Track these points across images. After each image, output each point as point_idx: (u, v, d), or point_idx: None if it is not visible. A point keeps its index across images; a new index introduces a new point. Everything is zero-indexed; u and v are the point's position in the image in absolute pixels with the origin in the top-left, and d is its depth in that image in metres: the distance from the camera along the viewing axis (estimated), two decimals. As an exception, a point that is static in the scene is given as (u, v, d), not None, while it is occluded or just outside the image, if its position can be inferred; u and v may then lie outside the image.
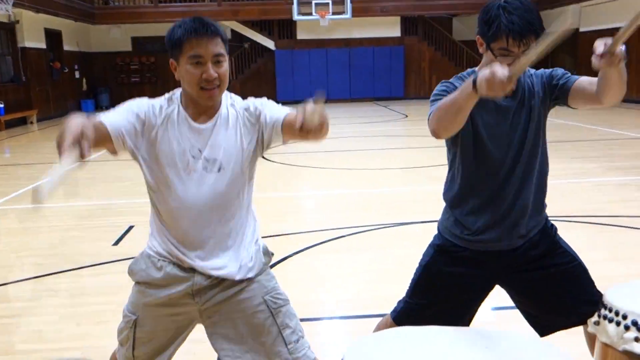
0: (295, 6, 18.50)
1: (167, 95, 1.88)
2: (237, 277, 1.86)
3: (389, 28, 20.59)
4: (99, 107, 20.52)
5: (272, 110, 1.86)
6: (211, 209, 1.83)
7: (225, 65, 1.77)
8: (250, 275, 1.88)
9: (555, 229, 2.16)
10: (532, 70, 2.05)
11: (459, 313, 2.14)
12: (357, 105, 19.31)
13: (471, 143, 1.98)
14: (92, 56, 21.12)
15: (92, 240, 4.99)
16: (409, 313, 2.18)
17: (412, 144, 10.44)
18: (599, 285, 1.99)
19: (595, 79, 1.85)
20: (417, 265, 2.22)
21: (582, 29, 19.09)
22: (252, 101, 1.89)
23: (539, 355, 1.34)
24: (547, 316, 2.08)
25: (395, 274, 3.67)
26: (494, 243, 2.02)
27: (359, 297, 3.58)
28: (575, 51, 20.08)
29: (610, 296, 1.64)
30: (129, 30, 20.89)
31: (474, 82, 1.62)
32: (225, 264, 1.86)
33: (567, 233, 2.29)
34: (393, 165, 8.30)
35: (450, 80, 2.01)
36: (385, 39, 20.67)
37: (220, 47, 1.75)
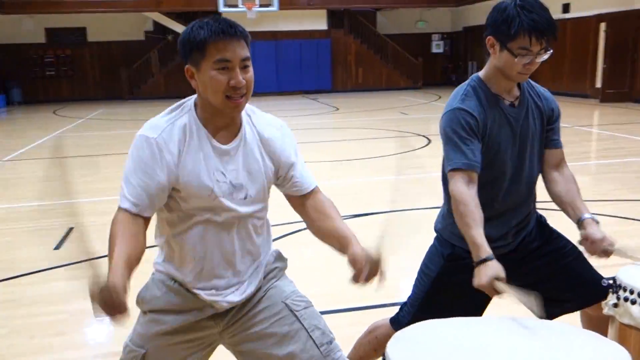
0: (220, -3, 18.11)
1: (173, 107, 1.67)
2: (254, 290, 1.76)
3: (316, 21, 20.56)
4: (10, 103, 19.29)
5: (303, 168, 1.77)
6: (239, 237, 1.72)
7: (252, 71, 1.60)
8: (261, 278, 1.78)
9: (544, 217, 2.19)
10: (540, 90, 2.08)
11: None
12: (287, 99, 19.17)
13: (489, 154, 1.96)
14: (2, 49, 19.79)
15: (29, 245, 4.64)
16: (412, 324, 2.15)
17: (346, 136, 10.48)
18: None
19: (561, 162, 2.08)
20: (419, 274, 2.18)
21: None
22: (273, 134, 1.73)
23: (584, 342, 1.32)
24: (553, 302, 2.07)
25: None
26: (502, 248, 2.02)
27: (337, 290, 3.48)
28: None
29: (628, 278, 1.65)
30: (42, 20, 19.71)
31: (477, 262, 1.78)
32: (248, 286, 1.75)
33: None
34: (329, 158, 8.27)
35: (459, 107, 1.95)
36: (312, 32, 20.63)
37: (247, 51, 1.59)
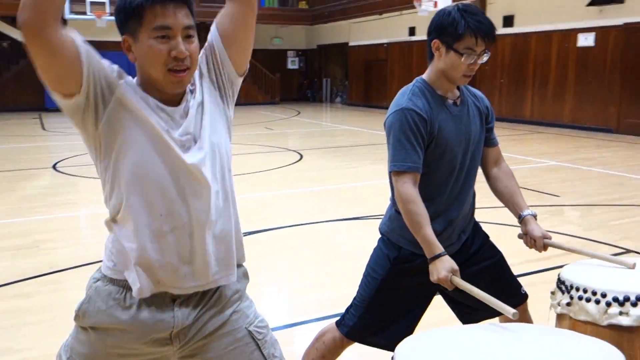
0: (66, 3, 16.89)
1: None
2: (233, 286, 1.59)
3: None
4: None
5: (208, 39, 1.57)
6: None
7: (197, 42, 1.44)
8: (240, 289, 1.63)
9: (479, 223, 2.29)
10: (474, 90, 2.19)
11: (413, 323, 2.16)
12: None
13: (438, 152, 2.02)
14: None
15: None
16: (365, 328, 2.15)
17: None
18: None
19: (499, 158, 2.24)
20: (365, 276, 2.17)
21: (351, 44, 20.76)
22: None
23: (584, 345, 1.38)
24: (483, 308, 2.18)
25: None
26: (447, 249, 2.07)
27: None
28: (345, 63, 21.80)
29: (579, 278, 1.77)
30: None
31: (431, 258, 1.89)
32: (229, 269, 1.56)
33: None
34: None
35: (407, 106, 1.98)
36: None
37: (191, 19, 1.43)
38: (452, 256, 2.05)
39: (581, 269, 1.89)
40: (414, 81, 2.09)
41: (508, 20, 13.99)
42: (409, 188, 1.94)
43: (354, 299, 2.19)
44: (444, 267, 1.83)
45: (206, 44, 1.58)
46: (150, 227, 1.44)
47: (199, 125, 1.50)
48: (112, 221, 1.50)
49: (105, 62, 1.42)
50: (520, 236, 2.11)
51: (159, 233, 1.45)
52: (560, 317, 1.83)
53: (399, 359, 1.35)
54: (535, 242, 2.03)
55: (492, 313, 2.19)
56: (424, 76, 2.08)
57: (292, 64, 23.46)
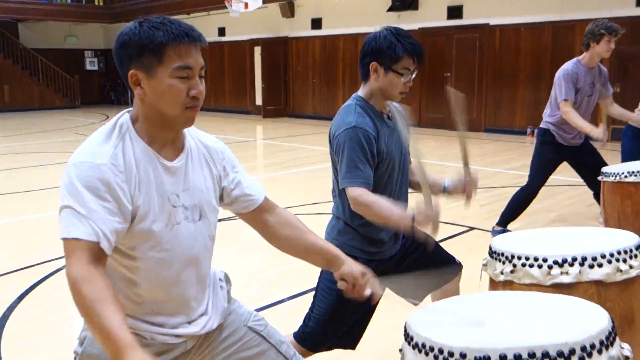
0: None
1: (107, 130, 1.39)
2: (218, 322, 1.60)
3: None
4: None
5: (247, 180, 1.64)
6: (195, 264, 1.51)
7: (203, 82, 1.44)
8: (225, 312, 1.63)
9: None
10: (395, 104, 2.33)
11: (369, 319, 2.32)
12: None
13: (383, 167, 2.17)
14: None
15: None
16: (329, 338, 2.25)
17: (35, 163, 9.25)
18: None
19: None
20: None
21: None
22: (217, 144, 1.60)
23: (576, 306, 1.59)
24: (428, 284, 2.39)
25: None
26: (390, 250, 2.25)
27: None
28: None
29: (515, 249, 2.01)
30: None
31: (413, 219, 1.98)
32: (210, 316, 1.57)
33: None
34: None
35: (357, 125, 2.09)
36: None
37: (202, 59, 1.42)
38: (395, 255, 2.30)
39: (512, 240, 2.15)
40: (353, 99, 2.21)
41: (316, 23, 14.72)
42: (367, 197, 2.07)
43: (313, 312, 2.26)
44: (427, 212, 1.95)
45: (238, 183, 1.62)
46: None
47: None
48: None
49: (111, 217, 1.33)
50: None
51: None
52: (502, 285, 2.06)
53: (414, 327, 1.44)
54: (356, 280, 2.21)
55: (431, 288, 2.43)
56: (361, 94, 2.21)
57: (91, 64, 21.93)
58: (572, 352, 1.30)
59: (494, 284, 2.10)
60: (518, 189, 4.75)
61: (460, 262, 2.48)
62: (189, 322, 1.52)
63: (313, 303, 2.29)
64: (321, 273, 2.28)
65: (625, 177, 3.56)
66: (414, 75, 2.15)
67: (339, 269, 1.64)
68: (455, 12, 12.08)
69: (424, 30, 12.53)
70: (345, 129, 2.09)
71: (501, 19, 11.42)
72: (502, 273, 2.03)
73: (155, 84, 1.36)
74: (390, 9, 12.84)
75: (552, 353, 1.29)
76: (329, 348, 2.30)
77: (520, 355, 1.30)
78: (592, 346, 1.33)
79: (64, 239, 1.27)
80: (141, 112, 1.41)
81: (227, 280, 1.70)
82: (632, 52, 9.71)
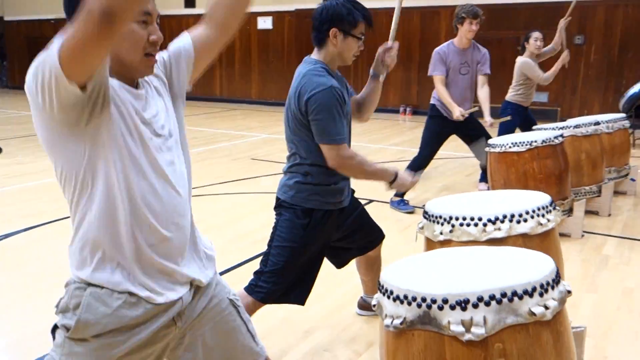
0: None
1: None
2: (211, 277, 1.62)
3: None
4: None
5: (174, 45, 1.61)
6: (183, 191, 1.52)
7: None
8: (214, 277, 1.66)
9: None
10: None
11: (315, 276, 2.49)
12: None
13: (347, 127, 2.38)
14: None
15: None
16: (280, 290, 2.38)
17: None
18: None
19: None
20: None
21: (7, 18, 18.46)
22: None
23: (523, 254, 1.84)
24: (354, 252, 2.68)
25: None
26: (344, 202, 2.47)
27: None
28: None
29: (451, 210, 2.25)
30: None
31: (393, 178, 2.36)
32: (205, 263, 1.60)
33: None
34: None
35: (333, 85, 2.24)
36: None
37: None
38: (345, 208, 2.47)
39: (446, 204, 2.39)
40: (312, 63, 2.33)
41: (190, 1, 14.35)
42: (349, 151, 2.30)
43: (264, 266, 2.37)
44: (406, 176, 2.37)
45: (170, 51, 1.59)
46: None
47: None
48: None
49: None
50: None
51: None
52: (440, 244, 2.30)
53: (387, 280, 1.61)
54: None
55: (358, 252, 2.66)
56: (318, 58, 2.35)
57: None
58: (534, 289, 1.55)
59: (431, 244, 2.33)
60: (408, 161, 5.12)
61: (382, 231, 2.74)
62: (188, 266, 1.53)
63: (266, 257, 2.40)
64: (274, 229, 2.41)
65: (510, 147, 4.02)
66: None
67: None
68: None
69: (300, 11, 12.72)
70: (322, 89, 2.22)
71: (375, 2, 11.92)
72: (441, 233, 2.27)
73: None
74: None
75: (519, 291, 1.53)
76: (278, 302, 2.43)
77: (494, 296, 1.52)
78: (547, 283, 1.58)
79: None
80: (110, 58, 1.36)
81: (212, 247, 1.71)
82: (488, 37, 10.62)
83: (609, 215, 4.85)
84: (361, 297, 3.05)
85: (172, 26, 14.83)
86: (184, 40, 1.60)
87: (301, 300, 2.49)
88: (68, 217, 1.46)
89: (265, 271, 2.35)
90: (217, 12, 1.61)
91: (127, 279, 1.39)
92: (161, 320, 1.45)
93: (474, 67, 4.86)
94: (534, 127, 4.96)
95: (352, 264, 2.82)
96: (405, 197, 5.06)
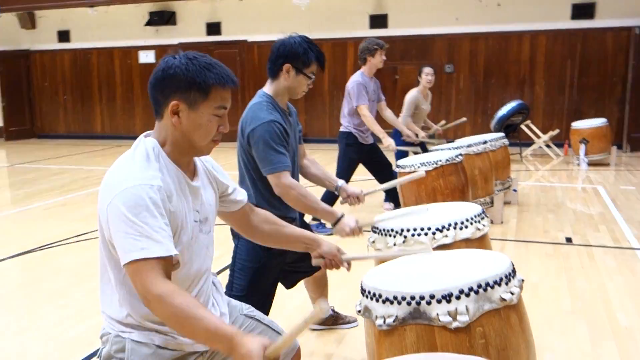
0: None
1: (143, 154, 1.53)
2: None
3: None
4: None
5: (235, 185, 1.87)
6: (209, 270, 1.74)
7: None
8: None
9: None
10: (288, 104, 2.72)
11: (274, 293, 2.66)
12: None
13: (290, 158, 2.55)
14: None
15: None
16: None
17: None
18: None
19: (305, 153, 2.88)
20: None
21: None
22: (208, 157, 1.79)
23: (480, 254, 2.14)
24: (302, 274, 2.88)
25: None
26: (297, 223, 2.65)
27: None
28: None
29: (403, 224, 2.53)
30: None
31: (336, 221, 2.53)
32: (227, 315, 1.82)
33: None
34: None
35: (272, 119, 2.43)
36: None
37: None
38: None
39: (393, 218, 2.68)
40: (261, 96, 2.53)
41: (64, 35, 13.81)
42: (293, 181, 2.43)
43: (231, 291, 2.51)
44: (349, 223, 2.47)
45: (229, 185, 1.86)
46: None
47: None
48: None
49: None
50: (342, 201, 2.80)
51: None
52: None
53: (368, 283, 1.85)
54: (358, 197, 2.77)
55: (308, 273, 2.87)
56: (268, 92, 2.54)
57: None
58: (502, 279, 1.85)
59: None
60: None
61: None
62: None
63: (231, 282, 2.55)
64: (235, 254, 2.55)
65: (419, 167, 4.43)
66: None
67: (317, 249, 1.96)
68: (213, 28, 12.57)
69: (184, 45, 12.76)
70: (262, 122, 2.40)
71: (258, 35, 12.27)
72: (395, 244, 2.55)
73: (195, 116, 1.54)
74: (148, 23, 12.77)
75: (491, 282, 1.82)
76: None
77: (472, 288, 1.80)
78: (510, 274, 1.89)
79: (137, 260, 1.38)
80: (170, 137, 1.57)
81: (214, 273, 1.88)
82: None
83: (502, 222, 5.45)
84: (311, 314, 3.24)
85: (45, 61, 14.19)
86: (241, 201, 1.88)
87: (266, 314, 2.65)
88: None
89: (232, 295, 2.47)
90: (265, 233, 1.94)
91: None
92: (193, 356, 1.64)
93: (377, 95, 5.31)
94: (432, 149, 5.47)
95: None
96: (323, 221, 5.33)
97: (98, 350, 1.66)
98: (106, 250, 1.54)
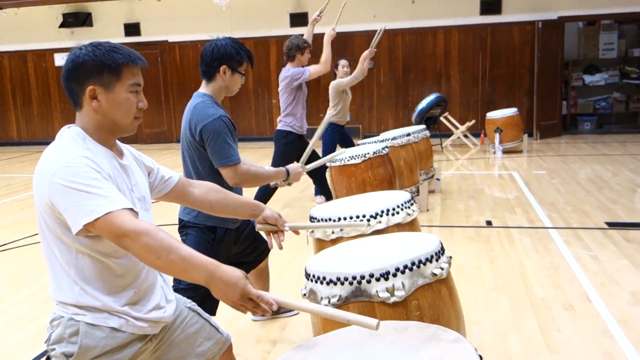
0: None
1: (71, 137, 1.62)
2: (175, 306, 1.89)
3: None
4: None
5: (161, 167, 1.95)
6: None
7: None
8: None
9: None
10: None
11: None
12: None
13: None
14: None
15: None
16: (212, 305, 2.64)
17: None
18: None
19: None
20: None
21: None
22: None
23: (412, 235, 2.33)
24: (247, 265, 3.01)
25: None
26: (237, 222, 2.77)
27: None
28: None
29: (338, 213, 2.70)
30: None
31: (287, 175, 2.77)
32: (173, 301, 1.87)
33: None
34: None
35: (222, 114, 2.57)
36: None
37: None
38: (237, 229, 2.81)
39: (328, 209, 2.84)
40: (201, 96, 2.64)
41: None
42: (243, 167, 2.61)
43: (179, 283, 2.59)
44: (295, 168, 2.92)
45: (159, 169, 1.94)
46: None
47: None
48: None
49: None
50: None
51: None
52: (332, 242, 2.73)
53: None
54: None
55: (252, 265, 3.00)
56: (207, 92, 2.66)
57: None
58: (432, 257, 2.04)
59: (323, 244, 2.76)
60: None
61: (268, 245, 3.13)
62: (161, 308, 1.76)
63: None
64: None
65: (348, 160, 4.64)
66: None
67: (261, 214, 2.10)
68: (132, 29, 12.32)
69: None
70: (213, 119, 2.53)
71: (179, 36, 12.14)
72: (332, 232, 2.71)
73: (113, 97, 1.62)
74: (62, 25, 12.35)
75: (423, 259, 2.02)
76: None
77: (407, 265, 1.98)
78: (439, 252, 2.10)
79: (100, 218, 1.44)
80: (93, 122, 1.64)
81: None
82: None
83: (427, 210, 5.76)
84: (254, 305, 3.37)
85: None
86: (171, 177, 1.95)
87: (212, 311, 2.74)
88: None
89: (180, 288, 2.56)
90: (212, 202, 2.02)
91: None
92: (142, 341, 1.72)
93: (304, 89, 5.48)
94: (359, 143, 5.69)
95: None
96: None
97: (41, 354, 1.71)
98: (52, 237, 1.57)
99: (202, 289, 2.59)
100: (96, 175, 1.51)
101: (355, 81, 6.06)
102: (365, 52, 6.17)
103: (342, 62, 6.55)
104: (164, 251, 1.44)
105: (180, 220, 2.68)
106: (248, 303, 1.45)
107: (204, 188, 2.03)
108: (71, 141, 1.60)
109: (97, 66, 1.59)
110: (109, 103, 1.62)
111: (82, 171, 1.50)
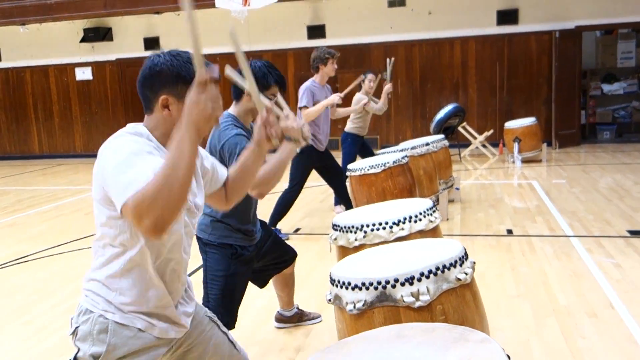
0: None
1: (131, 130, 1.65)
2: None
3: None
4: None
5: (219, 164, 1.97)
6: (183, 252, 1.80)
7: None
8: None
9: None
10: None
11: (241, 299, 2.80)
12: None
13: None
14: None
15: None
16: (232, 315, 2.69)
17: None
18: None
19: None
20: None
21: None
22: None
23: (434, 242, 2.35)
24: (272, 270, 3.05)
25: None
26: (255, 239, 2.80)
27: None
28: None
29: (362, 220, 2.73)
30: None
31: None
32: (194, 306, 1.91)
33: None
34: None
35: (237, 132, 2.56)
36: None
37: None
38: (257, 244, 2.85)
39: (352, 216, 2.88)
40: (225, 117, 2.67)
41: (-6, 56, 13.40)
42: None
43: (208, 302, 2.65)
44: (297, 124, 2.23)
45: (212, 165, 1.93)
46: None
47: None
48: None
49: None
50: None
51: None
52: (355, 249, 2.76)
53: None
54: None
55: (277, 271, 3.04)
56: (233, 113, 2.71)
57: None
58: (456, 262, 2.07)
59: (345, 251, 2.79)
60: (281, 193, 5.55)
61: (295, 251, 3.16)
62: (184, 314, 1.80)
63: (206, 294, 2.68)
64: (205, 267, 2.70)
65: (368, 170, 4.67)
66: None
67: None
68: (151, 43, 12.49)
69: (122, 60, 12.64)
70: (231, 136, 2.55)
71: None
72: (356, 240, 2.74)
73: (183, 108, 1.61)
74: (83, 40, 12.59)
75: (447, 265, 2.04)
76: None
77: (431, 270, 2.01)
78: (463, 257, 2.12)
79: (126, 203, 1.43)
80: (161, 128, 1.66)
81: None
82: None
83: (447, 219, 5.76)
84: (277, 312, 3.40)
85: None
86: (222, 173, 1.96)
87: (233, 324, 2.78)
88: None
89: (211, 306, 2.61)
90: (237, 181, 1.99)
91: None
92: (166, 345, 1.76)
93: None
94: (377, 153, 5.72)
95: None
96: (278, 226, 5.48)
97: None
98: (106, 218, 1.60)
99: (232, 303, 2.68)
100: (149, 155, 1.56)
101: (379, 113, 6.47)
102: (387, 87, 6.30)
103: (370, 77, 6.60)
104: (164, 172, 1.39)
105: (199, 238, 2.73)
106: (209, 94, 1.42)
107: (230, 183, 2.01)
108: (134, 132, 1.63)
109: (173, 76, 1.62)
110: (180, 114, 1.57)
111: (134, 147, 1.55)
